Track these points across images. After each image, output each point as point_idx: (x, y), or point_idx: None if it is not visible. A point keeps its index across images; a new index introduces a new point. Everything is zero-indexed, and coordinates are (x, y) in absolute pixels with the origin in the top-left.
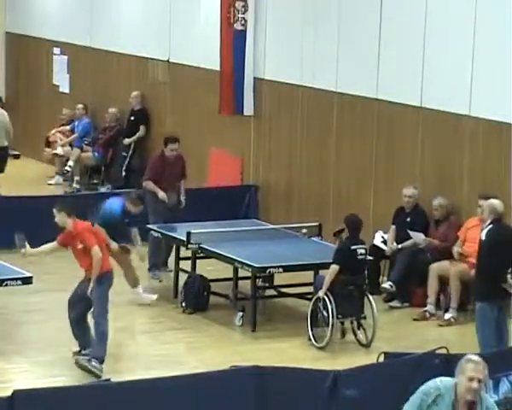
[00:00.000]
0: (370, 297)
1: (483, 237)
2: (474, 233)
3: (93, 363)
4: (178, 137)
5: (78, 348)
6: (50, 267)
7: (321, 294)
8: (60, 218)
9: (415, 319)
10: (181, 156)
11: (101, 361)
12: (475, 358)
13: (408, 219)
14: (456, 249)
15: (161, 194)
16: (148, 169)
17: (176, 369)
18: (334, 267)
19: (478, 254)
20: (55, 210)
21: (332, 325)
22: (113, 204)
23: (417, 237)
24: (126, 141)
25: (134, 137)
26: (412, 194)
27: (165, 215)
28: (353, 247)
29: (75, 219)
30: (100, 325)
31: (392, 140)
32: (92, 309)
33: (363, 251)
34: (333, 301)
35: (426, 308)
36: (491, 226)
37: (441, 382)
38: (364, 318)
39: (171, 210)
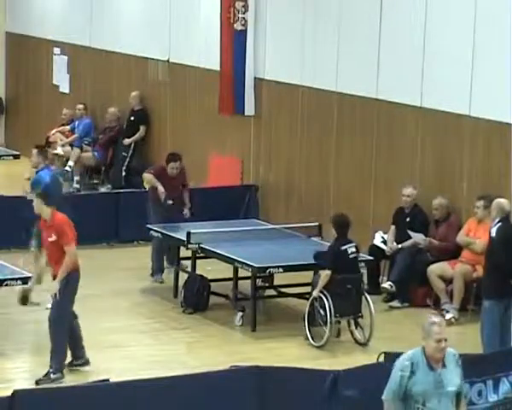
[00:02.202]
0: (368, 296)
1: (493, 234)
2: (476, 233)
3: (51, 376)
4: (180, 155)
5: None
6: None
7: (315, 293)
8: (36, 204)
9: None
10: (182, 169)
11: (60, 371)
12: (437, 319)
13: (407, 219)
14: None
15: (160, 187)
16: (152, 167)
17: (176, 369)
18: (327, 273)
19: (487, 251)
20: (32, 194)
21: (330, 324)
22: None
23: (417, 237)
24: (126, 141)
25: (134, 138)
26: (411, 193)
27: (165, 216)
28: (343, 247)
29: (54, 209)
30: (56, 333)
31: (392, 140)
32: (49, 312)
33: (353, 249)
34: (330, 301)
35: (444, 307)
36: (500, 224)
37: (408, 355)
38: (361, 317)
39: (173, 215)
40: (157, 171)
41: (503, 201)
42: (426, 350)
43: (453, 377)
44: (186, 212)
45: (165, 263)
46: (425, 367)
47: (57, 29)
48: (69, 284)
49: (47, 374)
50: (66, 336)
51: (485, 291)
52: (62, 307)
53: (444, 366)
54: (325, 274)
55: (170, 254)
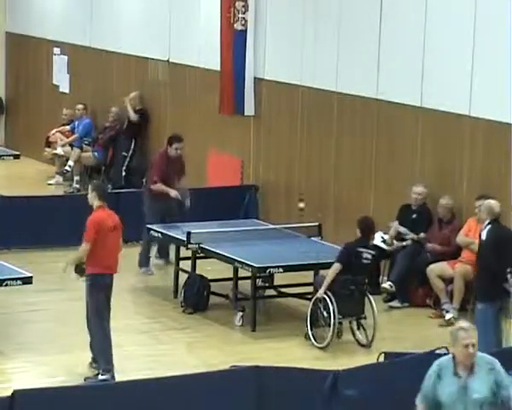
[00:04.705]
0: (371, 297)
1: (483, 237)
2: (475, 233)
3: (99, 378)
4: (183, 137)
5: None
6: (50, 267)
7: (320, 292)
8: (90, 196)
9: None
10: (180, 154)
11: (108, 371)
12: (465, 325)
13: (413, 216)
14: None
15: (173, 192)
16: (153, 171)
17: (176, 369)
18: (337, 266)
19: (478, 253)
20: (89, 187)
21: (333, 325)
22: None
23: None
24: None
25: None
26: (421, 192)
27: (162, 215)
28: (360, 249)
29: (103, 205)
30: (95, 338)
31: (393, 140)
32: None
33: (369, 256)
34: (334, 302)
35: (444, 307)
36: (490, 226)
37: (438, 361)
38: (365, 318)
39: (172, 211)
40: (160, 170)
41: (492, 202)
42: (456, 357)
43: (481, 385)
44: (187, 203)
45: (153, 256)
46: (450, 374)
47: (57, 29)
48: (93, 286)
49: (97, 375)
50: (102, 337)
51: (478, 294)
52: (93, 314)
53: (472, 372)
54: (334, 268)
55: (162, 248)
